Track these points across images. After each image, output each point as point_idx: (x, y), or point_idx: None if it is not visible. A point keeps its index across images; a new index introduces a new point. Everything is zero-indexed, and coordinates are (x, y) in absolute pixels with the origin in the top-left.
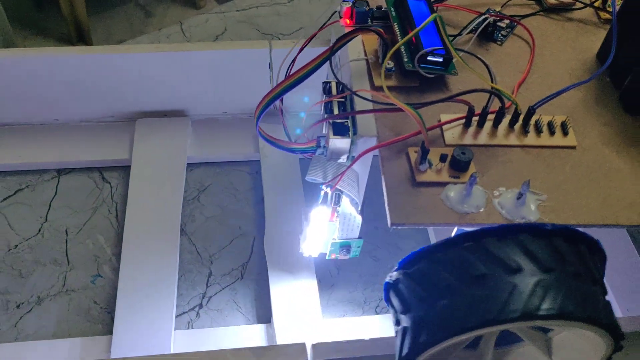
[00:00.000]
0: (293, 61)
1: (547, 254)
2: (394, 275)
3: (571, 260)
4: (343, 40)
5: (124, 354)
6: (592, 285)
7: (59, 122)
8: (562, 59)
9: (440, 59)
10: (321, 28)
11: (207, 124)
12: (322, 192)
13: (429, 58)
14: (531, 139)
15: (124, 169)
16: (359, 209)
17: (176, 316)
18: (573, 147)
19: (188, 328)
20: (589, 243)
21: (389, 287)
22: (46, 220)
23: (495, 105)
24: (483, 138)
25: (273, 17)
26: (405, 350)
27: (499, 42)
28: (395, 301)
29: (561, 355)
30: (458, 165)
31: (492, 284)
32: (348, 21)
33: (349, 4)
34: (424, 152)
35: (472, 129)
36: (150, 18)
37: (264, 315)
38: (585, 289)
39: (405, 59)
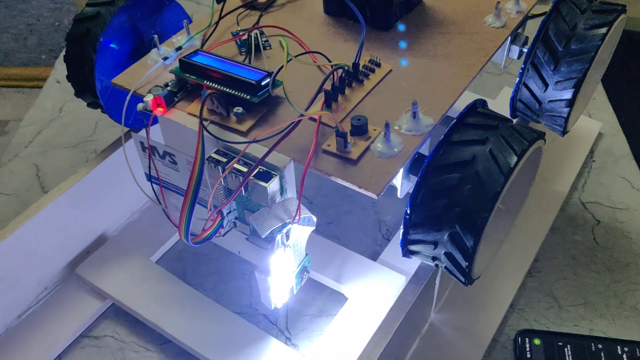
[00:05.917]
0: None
1: (487, 120)
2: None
3: (500, 117)
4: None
5: None
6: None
7: None
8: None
9: (269, 80)
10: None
11: None
12: (278, 237)
13: (262, 84)
14: (368, 84)
15: None
16: (315, 226)
17: None
18: (391, 70)
19: None
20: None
21: (405, 243)
22: None
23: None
24: (348, 107)
25: None
26: (463, 263)
27: (269, 48)
28: (419, 246)
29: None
30: (362, 130)
31: (482, 156)
32: (162, 109)
33: (150, 97)
34: (344, 137)
35: (334, 106)
36: None
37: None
38: (516, 129)
39: (248, 97)
